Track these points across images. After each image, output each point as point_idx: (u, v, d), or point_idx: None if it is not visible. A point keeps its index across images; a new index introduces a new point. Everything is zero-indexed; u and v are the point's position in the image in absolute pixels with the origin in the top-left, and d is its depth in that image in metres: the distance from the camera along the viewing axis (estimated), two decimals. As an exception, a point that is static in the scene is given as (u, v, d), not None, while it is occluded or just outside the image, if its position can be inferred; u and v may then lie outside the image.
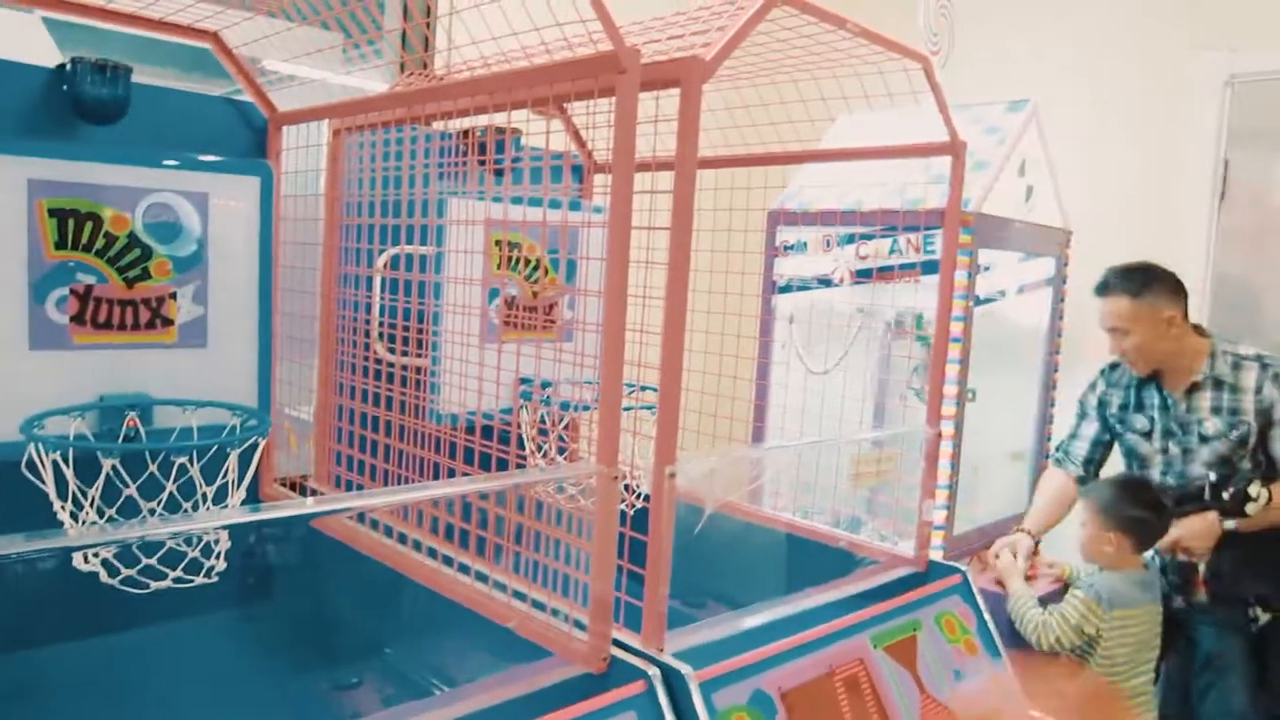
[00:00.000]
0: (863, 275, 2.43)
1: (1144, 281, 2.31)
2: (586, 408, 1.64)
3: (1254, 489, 2.25)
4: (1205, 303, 2.64)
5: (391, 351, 1.64)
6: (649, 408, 1.33)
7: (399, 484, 1.58)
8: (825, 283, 2.48)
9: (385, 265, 1.63)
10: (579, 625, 1.20)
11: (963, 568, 1.69)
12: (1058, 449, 2.63)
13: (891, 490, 1.84)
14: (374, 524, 1.55)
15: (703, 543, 1.38)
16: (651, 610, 1.21)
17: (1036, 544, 2.44)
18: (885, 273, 2.36)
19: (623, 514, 1.22)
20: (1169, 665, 2.36)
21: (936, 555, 1.74)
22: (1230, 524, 2.26)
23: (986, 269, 2.47)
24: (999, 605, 2.13)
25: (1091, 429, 2.56)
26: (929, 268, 2.27)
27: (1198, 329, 2.40)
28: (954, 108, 1.75)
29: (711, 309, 1.98)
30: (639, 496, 1.55)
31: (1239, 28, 2.58)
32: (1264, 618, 2.32)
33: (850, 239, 2.46)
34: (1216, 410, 2.32)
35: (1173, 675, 2.40)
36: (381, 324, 1.66)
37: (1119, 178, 2.80)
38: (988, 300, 2.50)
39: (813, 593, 1.50)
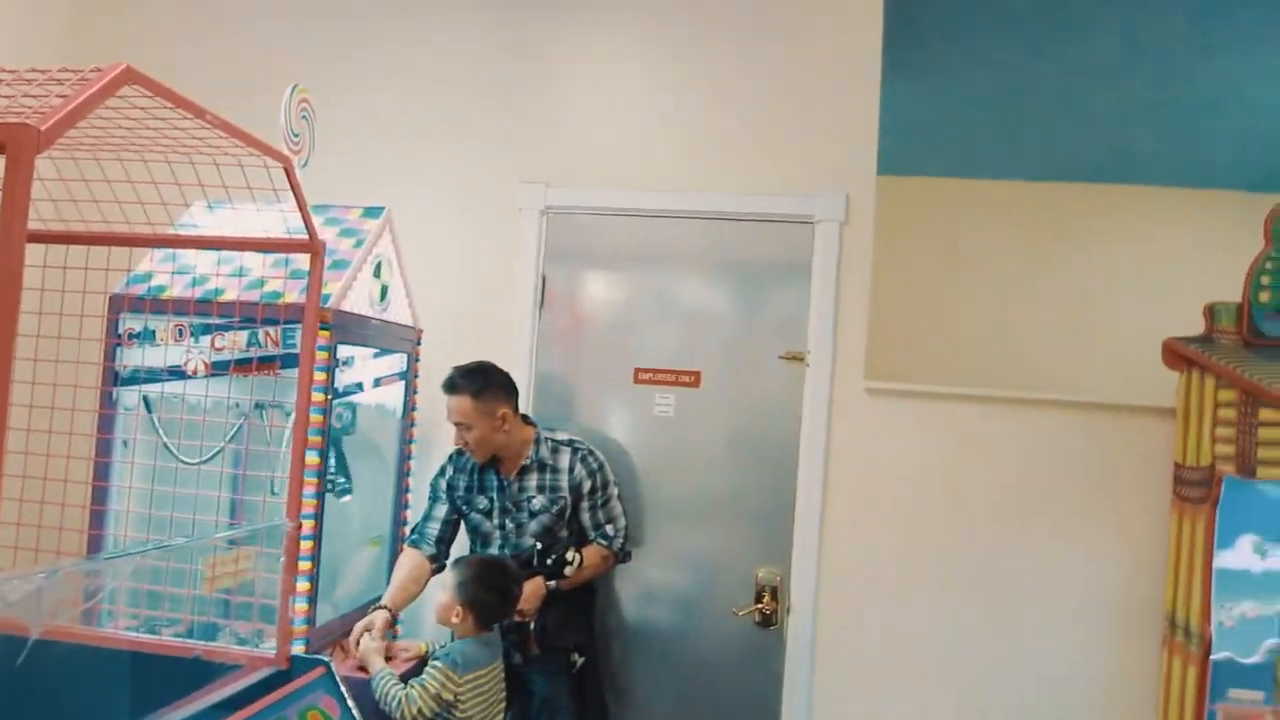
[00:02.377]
0: (219, 367, 2.34)
1: (483, 383, 2.62)
2: None
3: (570, 554, 2.67)
4: (531, 395, 3.07)
5: None
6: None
7: None
8: (178, 374, 2.33)
9: None
10: None
11: (326, 659, 1.70)
12: (413, 531, 2.81)
13: (251, 589, 1.78)
14: None
15: (27, 680, 1.18)
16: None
17: (394, 619, 2.55)
18: (243, 365, 2.30)
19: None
20: (513, 714, 2.62)
21: (299, 649, 1.72)
22: (552, 584, 2.63)
23: (347, 363, 2.56)
24: (365, 690, 2.17)
25: (442, 510, 2.79)
26: (289, 361, 2.28)
27: (526, 419, 2.79)
28: (313, 208, 1.82)
29: (36, 403, 1.73)
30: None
31: (552, 168, 3.13)
32: (580, 661, 2.73)
33: (206, 329, 2.35)
34: (541, 489, 2.70)
35: (515, 723, 2.67)
36: None
37: (463, 284, 3.15)
38: (347, 393, 2.59)
39: (165, 713, 1.37)
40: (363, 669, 2.33)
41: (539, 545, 2.67)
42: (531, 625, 2.61)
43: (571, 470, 2.72)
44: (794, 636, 2.89)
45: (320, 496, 2.33)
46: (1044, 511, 2.79)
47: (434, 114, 3.22)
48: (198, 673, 1.58)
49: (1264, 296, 2.42)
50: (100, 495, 1.95)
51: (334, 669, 1.68)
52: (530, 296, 3.11)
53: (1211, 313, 2.49)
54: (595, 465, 2.76)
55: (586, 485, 2.73)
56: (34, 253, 1.40)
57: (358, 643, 2.41)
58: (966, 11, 3.36)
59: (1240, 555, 2.47)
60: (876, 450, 2.87)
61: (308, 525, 2.26)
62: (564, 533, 2.73)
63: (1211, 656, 2.39)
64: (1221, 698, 2.44)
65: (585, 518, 2.76)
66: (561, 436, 2.80)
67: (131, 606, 1.71)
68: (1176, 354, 2.53)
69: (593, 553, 2.74)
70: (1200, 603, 2.41)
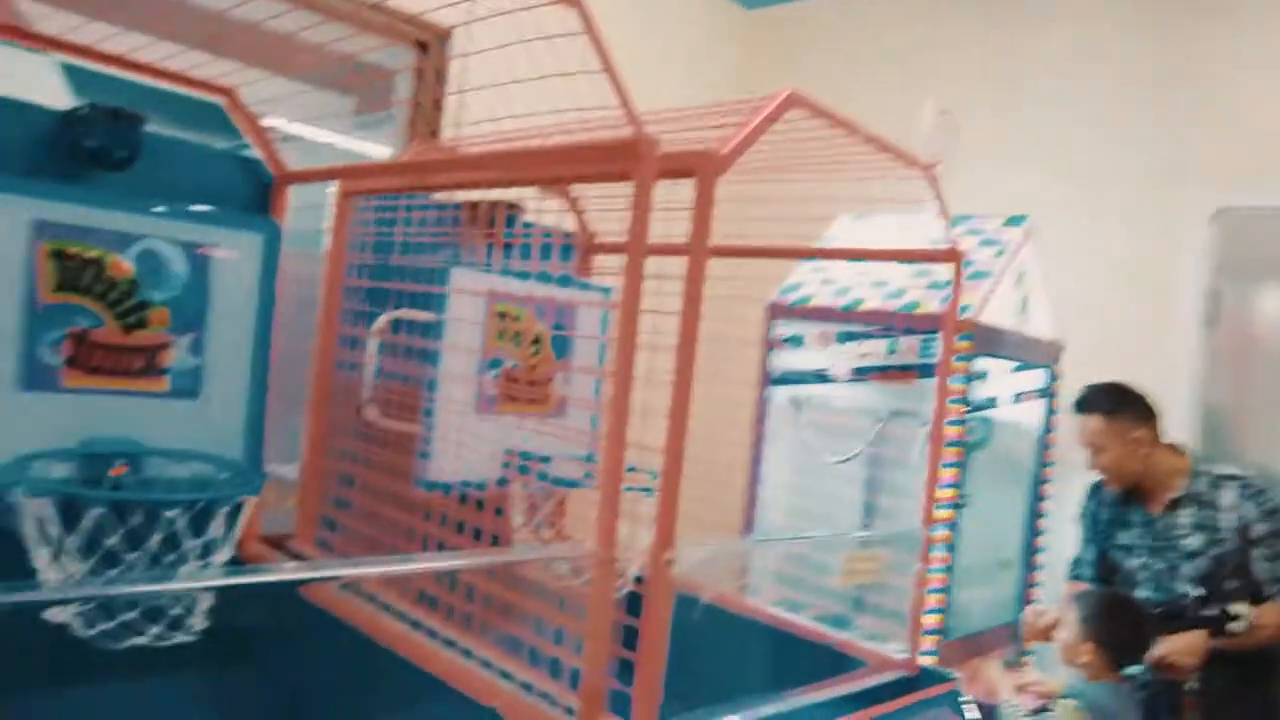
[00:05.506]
0: (860, 373, 2.44)
1: (1117, 402, 2.35)
2: (576, 484, 1.62)
3: (1236, 608, 2.23)
4: (1194, 424, 2.66)
5: (386, 416, 1.63)
6: (646, 490, 1.30)
7: (382, 549, 1.54)
8: (822, 378, 2.49)
9: (384, 328, 1.62)
10: (569, 711, 1.16)
11: (955, 675, 1.65)
12: (1073, 565, 2.61)
13: (882, 590, 1.81)
14: (356, 589, 1.51)
15: (686, 632, 1.34)
16: (644, 702, 1.14)
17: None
18: (883, 372, 2.38)
19: (611, 597, 1.19)
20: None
21: (929, 661, 1.69)
22: (1215, 642, 2.22)
23: (983, 376, 2.49)
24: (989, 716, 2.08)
25: (1092, 552, 2.54)
26: (926, 370, 2.29)
27: (1173, 447, 2.41)
28: (953, 218, 1.79)
29: (709, 396, 1.97)
30: (628, 579, 1.51)
31: (1225, 165, 2.68)
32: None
33: (849, 336, 2.48)
34: (1197, 528, 2.31)
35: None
36: (375, 388, 1.64)
37: (1109, 297, 2.86)
38: (981, 406, 2.51)
39: (804, 692, 1.45)
40: (991, 695, 2.23)
41: (1195, 593, 2.28)
42: (1186, 686, 2.24)
43: (1237, 508, 2.28)
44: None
45: (956, 508, 2.29)
46: None
47: (1077, 116, 2.98)
48: (828, 661, 1.64)
49: None
50: (754, 481, 2.16)
51: (960, 688, 1.62)
52: (1194, 313, 2.70)
53: None
54: (1271, 506, 2.27)
55: (1258, 529, 2.26)
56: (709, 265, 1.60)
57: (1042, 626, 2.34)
58: None
59: None
60: None
61: (942, 535, 2.24)
62: (1229, 583, 2.29)
63: None
64: None
65: (1260, 567, 2.28)
66: (1226, 470, 2.36)
67: (775, 585, 1.85)
68: None
69: (1272, 611, 2.26)
70: None
